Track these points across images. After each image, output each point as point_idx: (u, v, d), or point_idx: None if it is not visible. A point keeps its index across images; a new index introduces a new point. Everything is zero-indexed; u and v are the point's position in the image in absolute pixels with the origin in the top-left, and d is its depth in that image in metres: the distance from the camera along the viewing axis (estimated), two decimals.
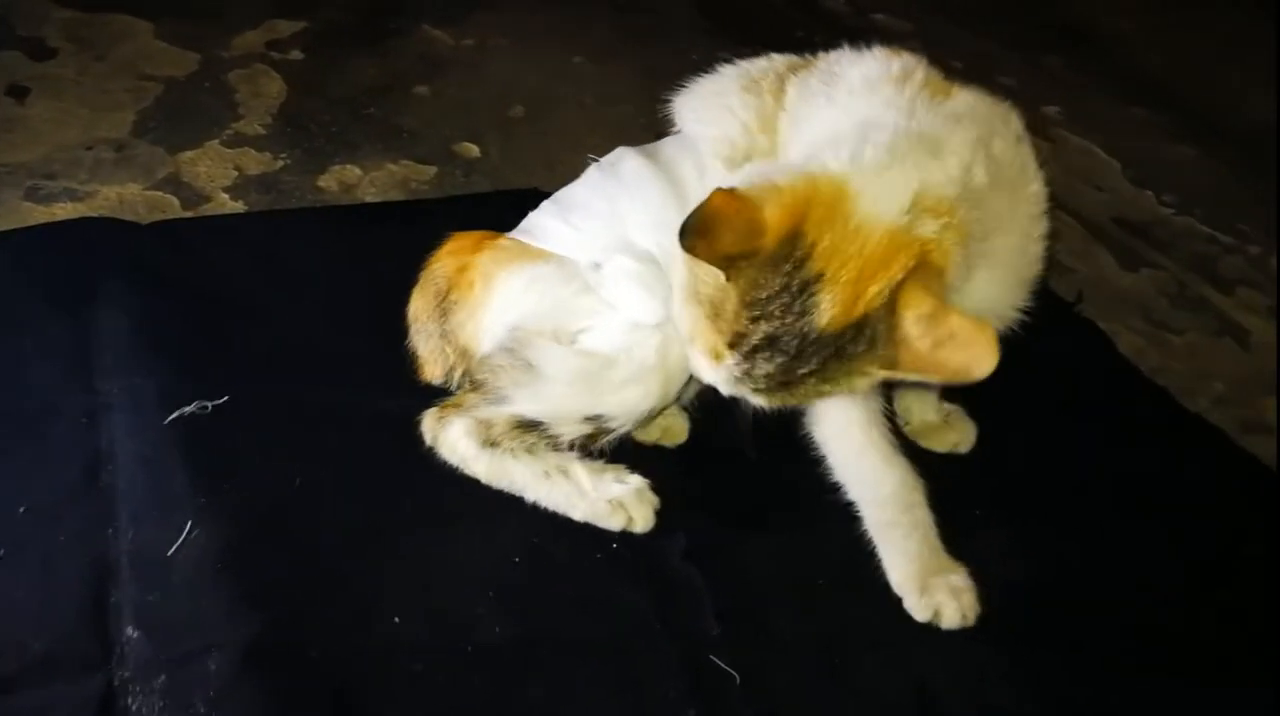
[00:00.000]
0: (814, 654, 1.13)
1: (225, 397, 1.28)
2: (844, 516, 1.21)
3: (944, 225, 0.99)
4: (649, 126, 1.40)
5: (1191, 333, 1.77)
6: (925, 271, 0.97)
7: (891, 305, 0.97)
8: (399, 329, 1.33)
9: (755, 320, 0.99)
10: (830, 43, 1.23)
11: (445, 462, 1.24)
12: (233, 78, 2.09)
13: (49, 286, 1.45)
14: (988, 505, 1.31)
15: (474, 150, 1.97)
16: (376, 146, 1.94)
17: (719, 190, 0.97)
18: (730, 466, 1.31)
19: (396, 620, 1.08)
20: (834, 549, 1.21)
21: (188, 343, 1.38)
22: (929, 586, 1.16)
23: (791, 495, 1.26)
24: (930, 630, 1.15)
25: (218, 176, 1.81)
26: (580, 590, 1.16)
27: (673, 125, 1.29)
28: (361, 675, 1.04)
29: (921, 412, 1.40)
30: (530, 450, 1.23)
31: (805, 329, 0.98)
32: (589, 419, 1.21)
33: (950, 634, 1.14)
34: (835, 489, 1.22)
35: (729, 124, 1.20)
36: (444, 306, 1.28)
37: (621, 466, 1.24)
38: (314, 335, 1.43)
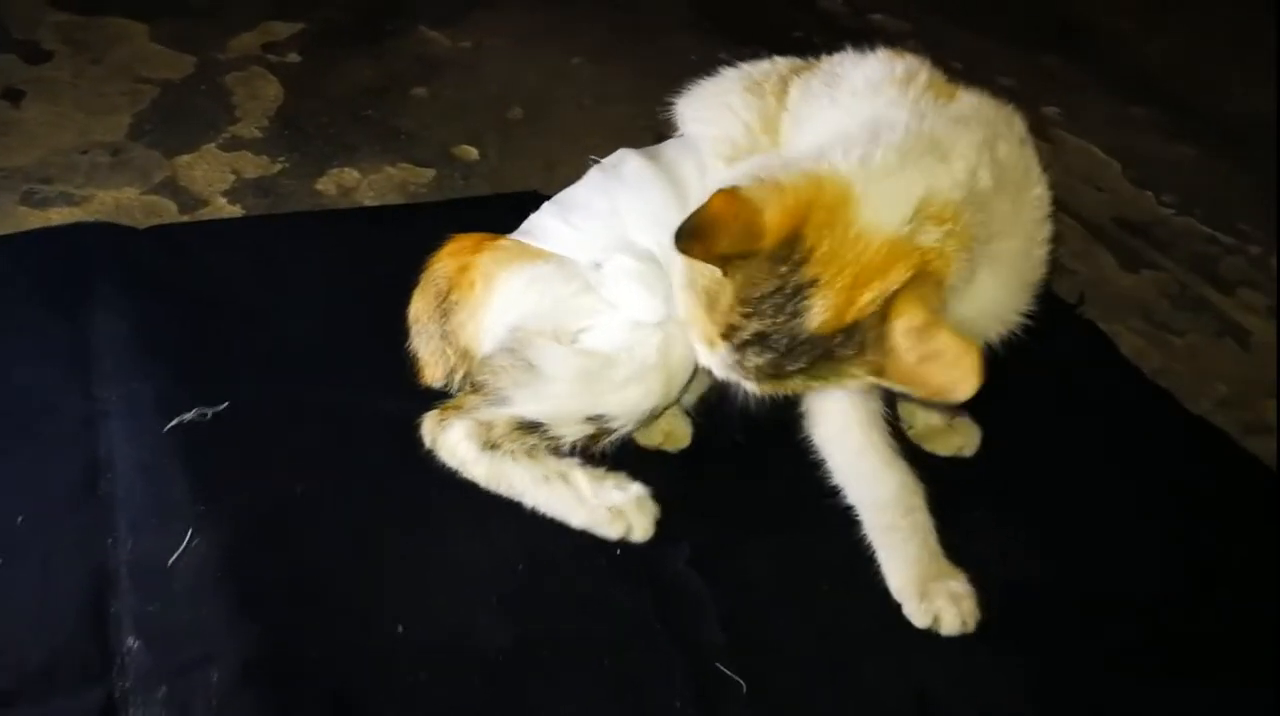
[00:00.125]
0: (818, 660, 1.12)
1: (225, 404, 1.27)
2: (847, 521, 1.21)
3: (947, 232, 0.99)
4: (648, 127, 1.39)
5: (1193, 334, 1.76)
6: (922, 282, 0.97)
7: (884, 314, 0.97)
8: (399, 333, 1.32)
9: (748, 316, 1.00)
10: (828, 43, 1.23)
11: (444, 466, 1.23)
12: (229, 80, 2.08)
13: (45, 292, 1.44)
14: (990, 507, 1.30)
15: (473, 152, 1.96)
16: (374, 149, 1.93)
17: (720, 193, 0.97)
18: (733, 471, 1.31)
19: (399, 628, 1.08)
20: (838, 554, 1.20)
21: (186, 348, 1.37)
22: (928, 592, 1.15)
23: (795, 499, 1.25)
24: (934, 636, 1.14)
25: (215, 180, 1.80)
26: (583, 597, 1.15)
27: (674, 128, 1.28)
28: (364, 684, 1.03)
29: (925, 416, 1.39)
30: (531, 454, 1.22)
31: (795, 330, 0.99)
32: (590, 419, 1.20)
33: (954, 639, 1.14)
34: (835, 492, 1.21)
35: (730, 124, 1.20)
36: (444, 307, 1.28)
37: (622, 474, 1.23)
38: (313, 340, 1.42)
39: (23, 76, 2.00)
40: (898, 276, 0.97)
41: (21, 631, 1.05)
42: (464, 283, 1.27)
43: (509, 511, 1.21)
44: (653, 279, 1.18)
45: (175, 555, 1.11)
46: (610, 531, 1.20)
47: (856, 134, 1.03)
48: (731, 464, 1.32)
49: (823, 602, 1.19)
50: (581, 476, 1.21)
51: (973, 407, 1.39)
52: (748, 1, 2.73)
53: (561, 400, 1.20)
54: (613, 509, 1.20)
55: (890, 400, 1.23)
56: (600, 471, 1.22)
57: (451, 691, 1.04)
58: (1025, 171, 1.11)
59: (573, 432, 1.21)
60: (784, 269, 0.98)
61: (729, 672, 1.07)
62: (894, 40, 1.22)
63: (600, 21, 2.49)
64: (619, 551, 1.19)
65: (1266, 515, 1.37)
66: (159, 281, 1.48)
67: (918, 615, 1.15)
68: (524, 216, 1.34)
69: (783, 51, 1.26)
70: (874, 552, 1.19)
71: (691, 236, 0.97)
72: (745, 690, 1.06)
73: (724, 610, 1.14)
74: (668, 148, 1.29)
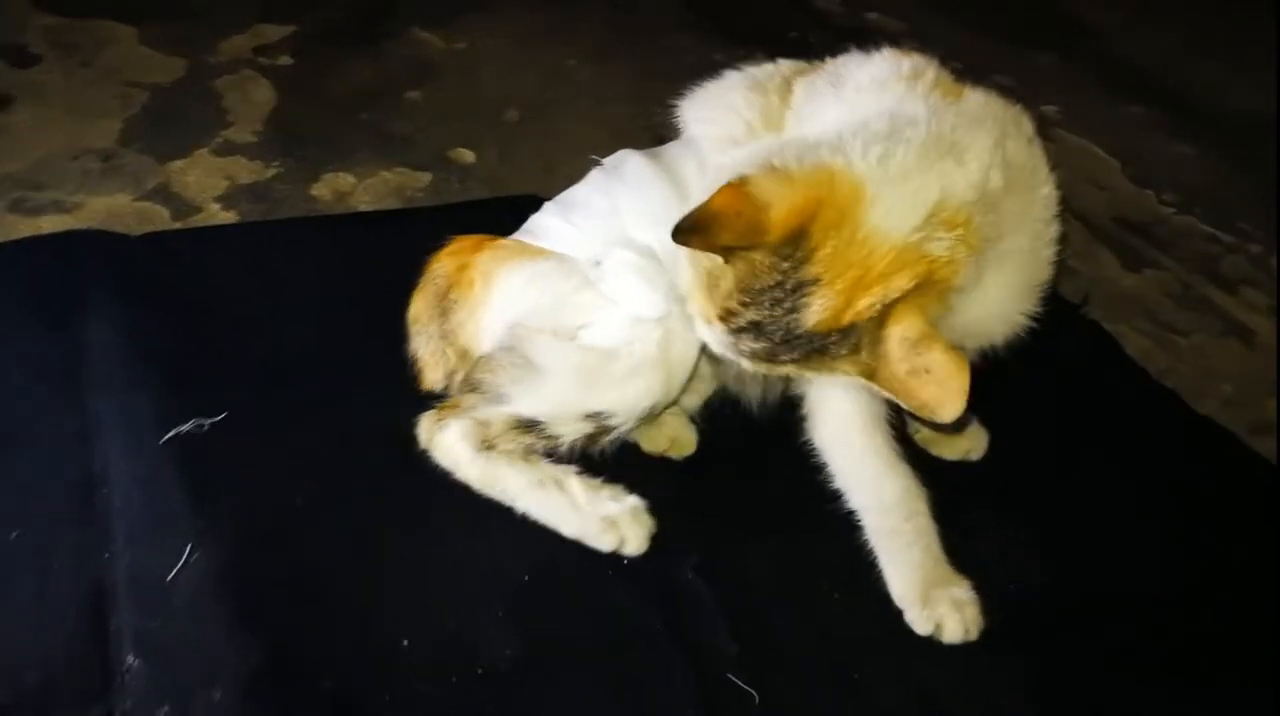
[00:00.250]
0: (828, 669, 1.11)
1: (223, 414, 1.25)
2: (850, 525, 1.19)
3: (957, 238, 0.98)
4: (646, 128, 1.38)
5: (1197, 334, 1.76)
6: (925, 292, 0.97)
7: (882, 319, 0.96)
8: (397, 339, 1.30)
9: (745, 305, 1.00)
10: (824, 41, 1.23)
11: (439, 467, 1.21)
12: (221, 84, 2.06)
13: (37, 301, 1.42)
14: (995, 509, 1.29)
15: (469, 156, 1.94)
16: (370, 153, 1.91)
17: (726, 188, 0.96)
18: (740, 479, 1.29)
19: (404, 642, 1.06)
20: (845, 561, 1.18)
21: (181, 357, 1.35)
22: (931, 599, 1.14)
23: (801, 506, 1.23)
24: (941, 643, 1.13)
25: (208, 186, 1.78)
26: (590, 607, 1.13)
27: (674, 129, 1.27)
28: (368, 698, 1.01)
29: None
30: (527, 458, 1.20)
31: (792, 324, 0.99)
32: (589, 417, 1.19)
33: (961, 646, 1.12)
34: (837, 497, 1.20)
35: (733, 123, 1.19)
36: (444, 306, 1.26)
37: (619, 486, 1.21)
38: (310, 347, 1.40)
39: (11, 81, 1.98)
40: (901, 284, 0.96)
41: (18, 649, 1.03)
42: (463, 281, 1.25)
43: (511, 518, 1.19)
44: (653, 274, 1.17)
45: (175, 570, 1.09)
46: (602, 543, 1.17)
47: (876, 127, 1.01)
48: (739, 472, 1.30)
49: (827, 607, 1.17)
50: (577, 484, 1.19)
51: (979, 409, 1.38)
52: (744, 1, 2.71)
53: (560, 396, 1.18)
54: (606, 519, 1.17)
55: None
56: (597, 481, 1.20)
57: (458, 704, 1.02)
58: (1034, 171, 1.11)
59: (571, 431, 1.19)
60: (786, 265, 0.97)
61: (741, 683, 1.06)
62: (890, 39, 1.20)
63: (596, 22, 2.48)
64: (626, 560, 1.17)
65: (1272, 514, 1.36)
66: (153, 290, 1.46)
67: (920, 622, 1.13)
68: (523, 220, 1.33)
69: (779, 51, 1.25)
70: (876, 558, 1.18)
71: (691, 230, 0.96)
72: (758, 700, 1.05)
73: (734, 620, 1.13)
74: (669, 148, 1.28)
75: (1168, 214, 2.06)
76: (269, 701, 0.99)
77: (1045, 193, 1.12)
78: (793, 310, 0.98)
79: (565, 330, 1.19)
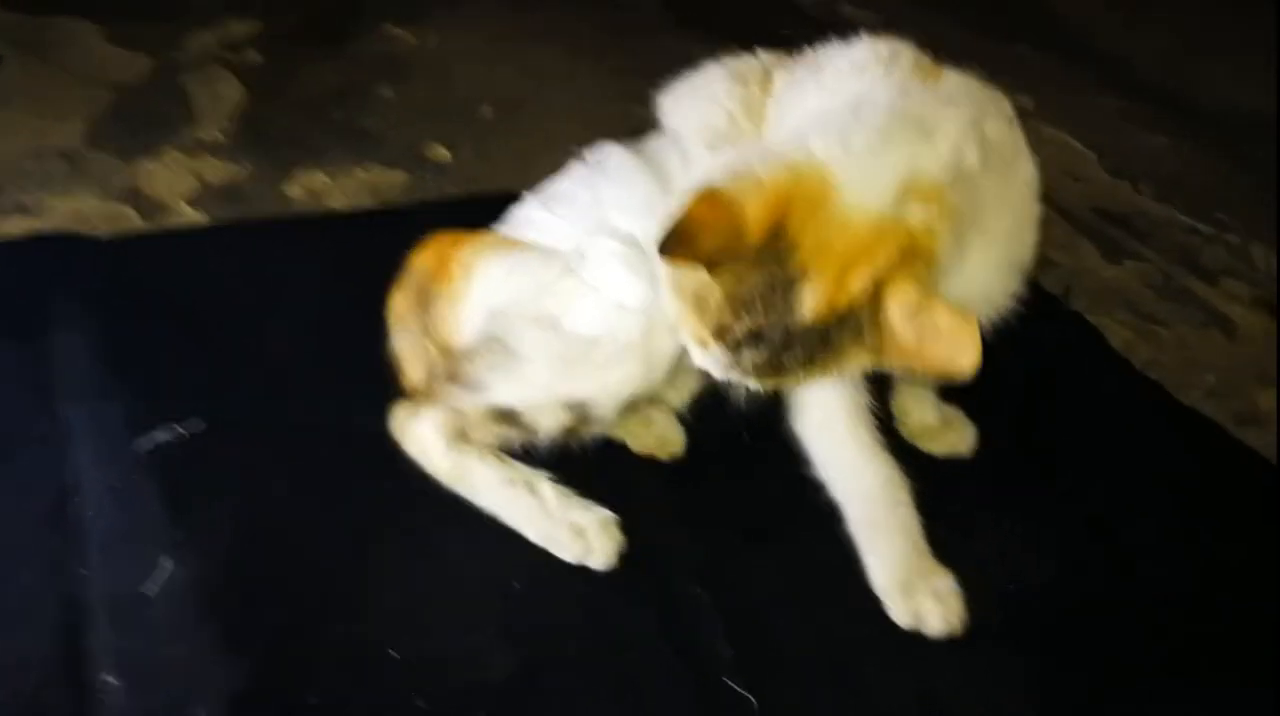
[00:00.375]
0: (827, 671, 1.10)
1: (199, 422, 1.22)
2: (842, 520, 1.18)
3: (933, 211, 0.98)
4: (623, 123, 1.37)
5: (1179, 325, 1.77)
6: (912, 260, 0.97)
7: (877, 296, 0.96)
8: (379, 341, 1.27)
9: (738, 315, 0.99)
10: (799, 34, 1.21)
11: (408, 457, 1.19)
12: (188, 81, 2.03)
13: (2, 307, 1.38)
14: (982, 505, 1.28)
15: (444, 153, 1.92)
16: (342, 151, 1.89)
17: (698, 196, 0.96)
18: (731, 479, 1.28)
19: (395, 656, 1.03)
20: (840, 559, 1.17)
21: (154, 363, 1.32)
22: (913, 590, 1.13)
23: (793, 505, 1.21)
24: (940, 642, 1.11)
25: (178, 186, 1.74)
26: (585, 614, 1.11)
27: (653, 124, 1.27)
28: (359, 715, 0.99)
29: (920, 414, 1.37)
30: (500, 457, 1.19)
31: (789, 323, 0.98)
32: (569, 406, 1.17)
33: (962, 644, 1.11)
34: (820, 488, 1.19)
35: (714, 113, 1.19)
36: (425, 300, 1.24)
37: (592, 501, 1.18)
38: (289, 351, 1.36)
39: None
40: (886, 256, 0.96)
41: None
42: (444, 275, 1.23)
43: (504, 530, 1.17)
44: (637, 262, 1.16)
45: (153, 585, 1.05)
46: (567, 552, 1.15)
47: (837, 115, 1.03)
48: (726, 469, 1.29)
49: (824, 608, 1.16)
50: (549, 488, 1.17)
51: (964, 404, 1.38)
52: None
53: (539, 383, 1.17)
54: (575, 527, 1.15)
55: (881, 396, 1.22)
56: (570, 491, 1.18)
57: None
58: (1014, 151, 1.11)
59: (550, 421, 1.18)
60: (771, 265, 0.97)
61: (738, 688, 1.05)
62: (866, 30, 1.20)
63: (571, 18, 2.47)
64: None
65: (1264, 507, 1.36)
66: (123, 294, 1.43)
67: (901, 614, 1.12)
68: (502, 218, 1.30)
69: (753, 43, 1.25)
70: (858, 549, 1.16)
71: (676, 242, 0.95)
72: (756, 706, 1.03)
73: (730, 624, 1.11)
74: (651, 141, 1.27)
75: (1146, 204, 2.07)
76: None
77: (1026, 173, 1.12)
78: (787, 309, 0.97)
79: (546, 318, 1.18)
